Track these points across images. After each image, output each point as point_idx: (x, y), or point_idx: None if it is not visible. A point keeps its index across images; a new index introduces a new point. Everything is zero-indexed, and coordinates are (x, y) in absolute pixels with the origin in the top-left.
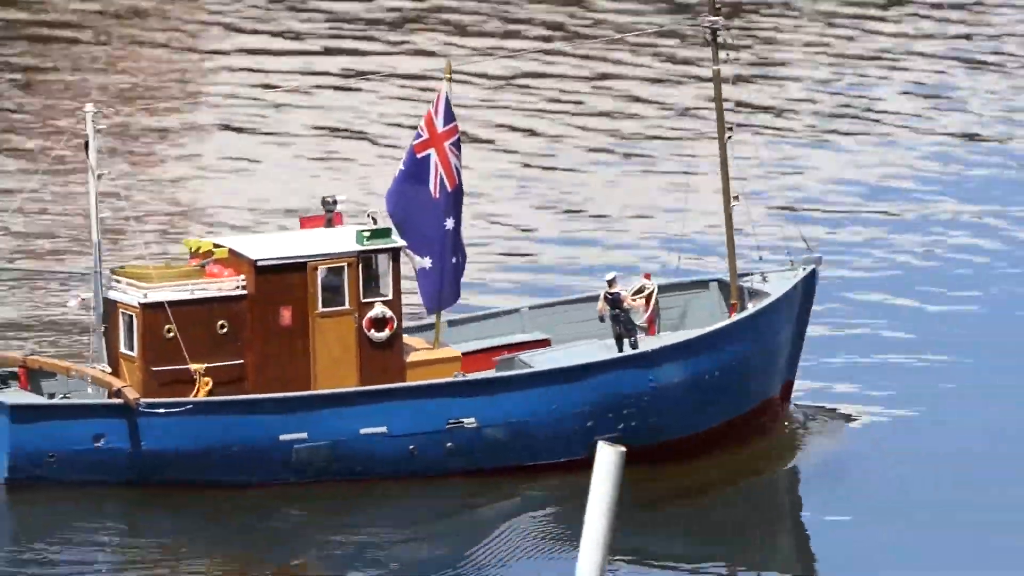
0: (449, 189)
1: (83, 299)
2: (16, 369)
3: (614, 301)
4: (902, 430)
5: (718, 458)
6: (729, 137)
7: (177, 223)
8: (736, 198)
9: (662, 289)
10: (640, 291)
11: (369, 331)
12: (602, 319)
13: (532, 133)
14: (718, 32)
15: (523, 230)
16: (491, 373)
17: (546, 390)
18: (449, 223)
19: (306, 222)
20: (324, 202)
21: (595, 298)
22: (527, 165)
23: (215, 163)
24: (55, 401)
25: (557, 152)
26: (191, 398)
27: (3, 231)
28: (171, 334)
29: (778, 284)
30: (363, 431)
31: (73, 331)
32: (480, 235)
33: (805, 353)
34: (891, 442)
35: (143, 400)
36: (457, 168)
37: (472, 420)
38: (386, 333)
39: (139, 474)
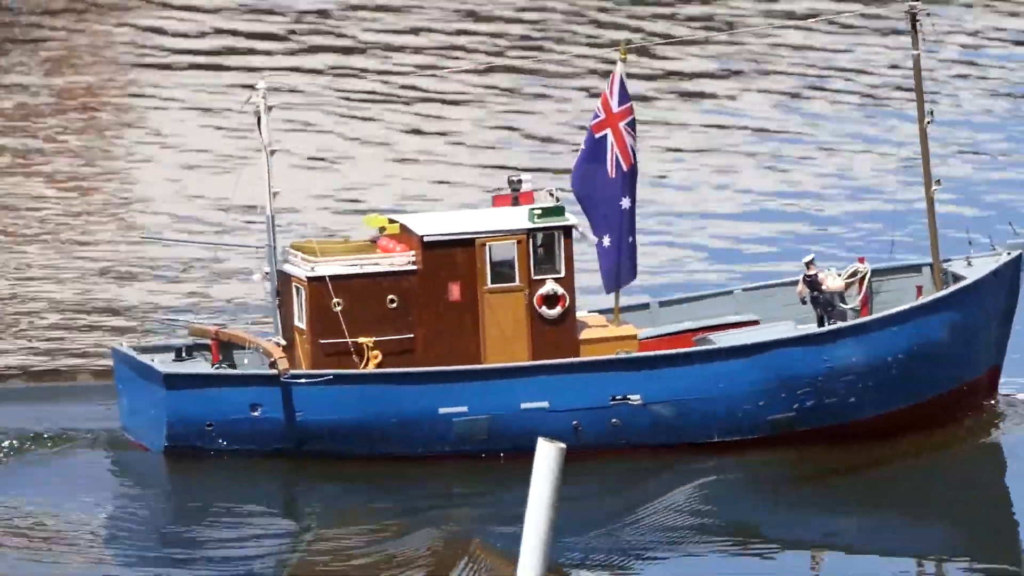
0: (625, 169)
1: (267, 273)
2: (209, 341)
3: (812, 283)
4: None
5: (899, 441)
6: (929, 122)
7: (358, 201)
8: (938, 183)
9: (876, 273)
10: (854, 274)
11: (540, 308)
12: (803, 301)
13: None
14: (917, 16)
15: (741, 213)
16: (659, 351)
17: (713, 367)
18: (625, 202)
19: (498, 200)
20: (510, 181)
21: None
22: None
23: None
24: (211, 371)
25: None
26: (335, 370)
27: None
28: (339, 307)
29: (981, 269)
30: (524, 406)
31: (265, 304)
32: (694, 220)
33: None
34: None
35: (289, 371)
36: (632, 148)
37: (637, 397)
38: (557, 310)
39: (294, 443)
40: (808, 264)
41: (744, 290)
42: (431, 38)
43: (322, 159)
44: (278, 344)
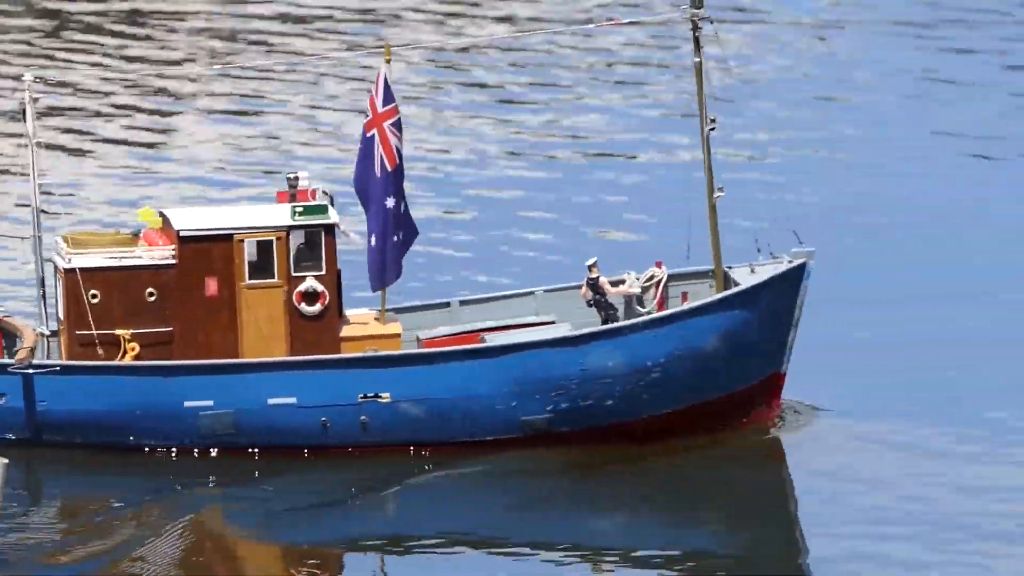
0: (389, 169)
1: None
2: None
3: (594, 286)
4: (893, 433)
5: (667, 443)
6: (712, 129)
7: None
8: (720, 190)
9: (673, 277)
10: (651, 278)
11: (300, 304)
12: (589, 304)
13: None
14: (699, 24)
15: (536, 215)
16: (409, 350)
17: (463, 367)
18: (390, 202)
19: (281, 197)
20: (287, 178)
21: (615, 283)
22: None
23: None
24: None
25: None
26: (61, 361)
27: None
28: (96, 299)
29: (759, 276)
30: (272, 401)
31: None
32: (493, 218)
33: (805, 349)
34: (879, 445)
35: (27, 361)
36: (397, 148)
37: (387, 395)
38: (317, 307)
39: (35, 433)
40: (591, 267)
41: (545, 291)
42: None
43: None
44: (41, 333)
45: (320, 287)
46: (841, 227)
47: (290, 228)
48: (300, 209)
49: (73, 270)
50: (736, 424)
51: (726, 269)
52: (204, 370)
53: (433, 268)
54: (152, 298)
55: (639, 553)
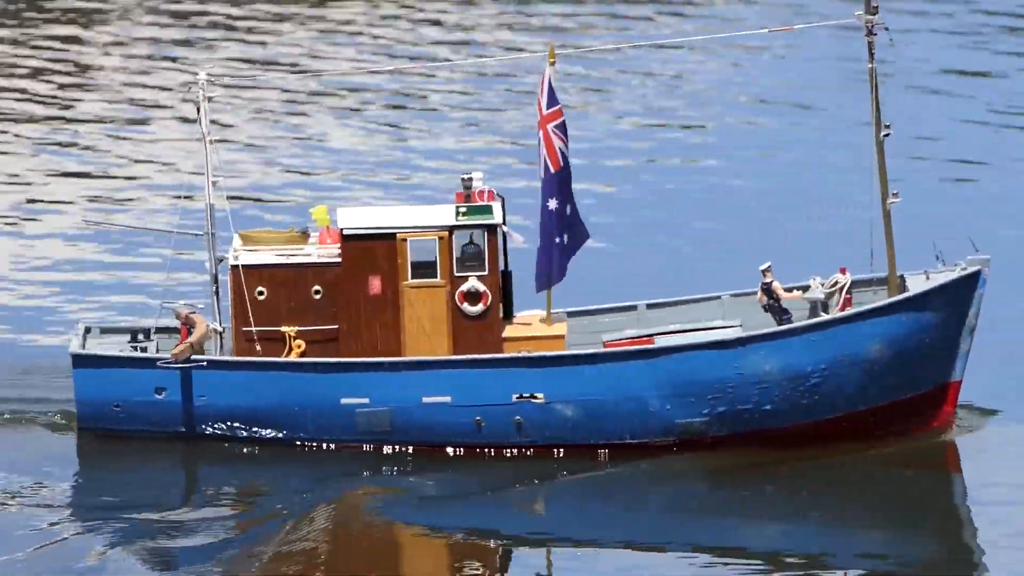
0: (552, 170)
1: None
2: (180, 324)
3: (767, 290)
4: None
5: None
6: (886, 135)
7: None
8: (895, 195)
9: (857, 283)
10: (835, 284)
11: (462, 304)
12: (765, 309)
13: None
14: (874, 28)
15: (716, 221)
16: (562, 352)
17: (616, 369)
18: (552, 203)
19: (460, 198)
20: (462, 180)
21: (796, 288)
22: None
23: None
24: (120, 353)
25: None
26: (214, 357)
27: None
28: (262, 296)
29: (931, 283)
30: (426, 400)
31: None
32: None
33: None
34: None
35: (183, 356)
36: (561, 151)
37: (541, 395)
38: (479, 307)
39: (194, 427)
40: (764, 271)
41: (732, 296)
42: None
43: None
44: (215, 330)
45: (482, 287)
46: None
47: (453, 228)
48: (464, 209)
49: (239, 267)
50: (907, 431)
51: (901, 276)
52: (359, 367)
53: (625, 270)
54: (318, 296)
55: (790, 559)
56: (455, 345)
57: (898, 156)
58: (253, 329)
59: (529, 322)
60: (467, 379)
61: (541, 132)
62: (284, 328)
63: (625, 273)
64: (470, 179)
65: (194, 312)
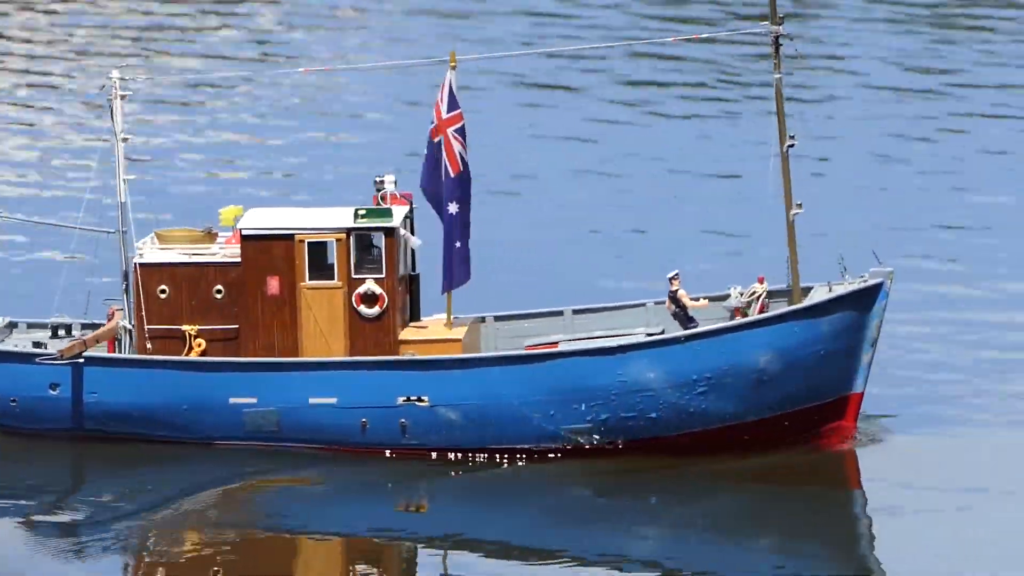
0: (452, 174)
1: None
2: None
3: (674, 299)
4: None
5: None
6: (791, 146)
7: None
8: (799, 206)
9: (773, 293)
10: (752, 293)
11: (359, 306)
12: (674, 316)
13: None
14: (780, 41)
15: (632, 229)
16: (448, 355)
17: (499, 373)
18: (452, 207)
19: (375, 200)
20: (375, 181)
21: (719, 298)
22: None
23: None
24: (15, 349)
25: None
26: (102, 354)
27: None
28: (164, 294)
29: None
30: (312, 400)
31: None
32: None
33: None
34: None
35: (71, 354)
36: (461, 155)
37: (425, 398)
38: (376, 310)
39: (86, 424)
40: (671, 279)
41: (656, 303)
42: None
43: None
44: (125, 327)
45: (379, 290)
46: (928, 244)
47: (350, 230)
48: (363, 212)
49: (142, 265)
50: (806, 442)
51: (808, 287)
52: (248, 367)
53: (560, 274)
54: (220, 295)
55: (669, 569)
56: (351, 347)
57: (807, 167)
58: (154, 327)
59: (426, 326)
60: (353, 380)
61: (442, 137)
62: (185, 327)
63: (556, 278)
64: (382, 182)
65: (120, 309)
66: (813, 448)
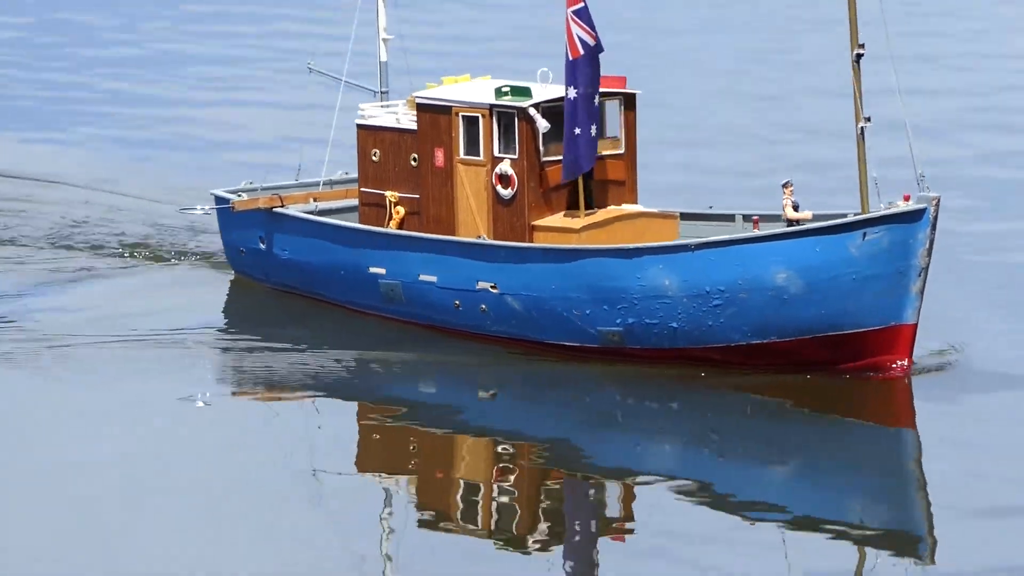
0: (571, 58)
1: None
2: None
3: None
4: None
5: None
6: (860, 56)
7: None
8: (868, 119)
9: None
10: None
11: (497, 186)
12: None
13: None
14: None
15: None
16: (508, 243)
17: (548, 268)
18: (571, 92)
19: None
20: None
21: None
22: None
23: None
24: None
25: None
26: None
27: None
28: (376, 158)
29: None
30: (421, 277)
31: None
32: None
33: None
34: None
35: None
36: (580, 38)
37: (494, 285)
38: (509, 191)
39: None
40: (783, 186)
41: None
42: None
43: None
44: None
45: (511, 171)
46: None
47: (492, 107)
48: (506, 90)
49: (359, 126)
50: (853, 371)
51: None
52: (379, 238)
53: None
54: (414, 164)
55: (677, 481)
56: (493, 227)
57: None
58: (365, 191)
59: (576, 215)
60: (449, 261)
61: (566, 20)
62: (387, 193)
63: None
64: None
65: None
66: (857, 376)
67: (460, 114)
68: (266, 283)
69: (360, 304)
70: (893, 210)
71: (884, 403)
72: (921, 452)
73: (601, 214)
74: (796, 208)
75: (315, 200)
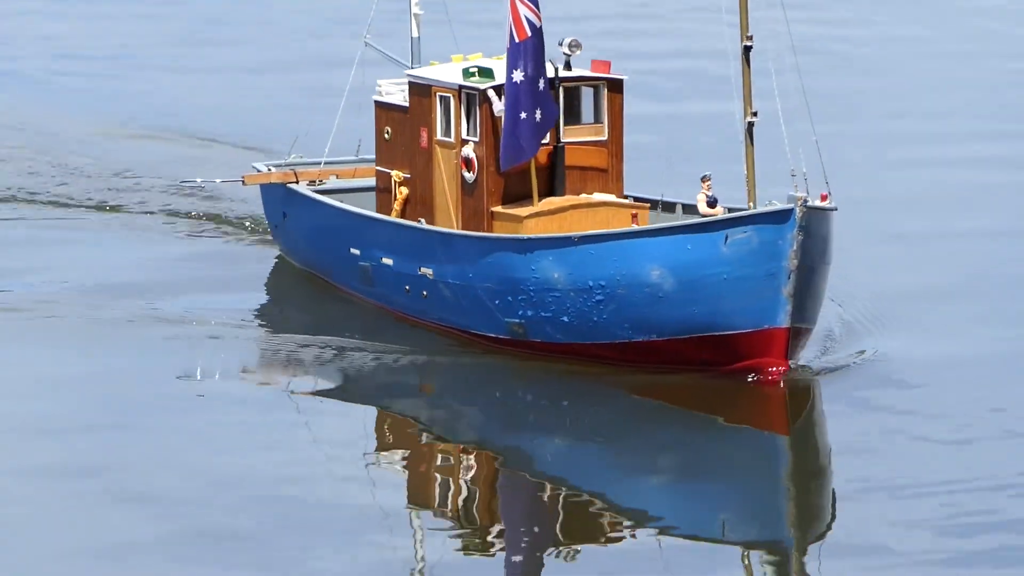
0: (516, 39)
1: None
2: None
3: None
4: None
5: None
6: (748, 48)
7: None
8: (755, 113)
9: None
10: None
11: (463, 170)
12: None
13: None
14: None
15: None
16: (441, 230)
17: (470, 256)
18: (516, 75)
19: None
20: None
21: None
22: None
23: None
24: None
25: None
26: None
27: None
28: (387, 136)
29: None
30: (384, 260)
31: None
32: None
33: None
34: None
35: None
36: (528, 19)
37: (430, 271)
38: (471, 175)
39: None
40: (702, 180)
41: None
42: None
43: None
44: None
45: (472, 155)
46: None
47: (460, 88)
48: (473, 70)
49: (376, 103)
50: (737, 375)
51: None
52: (355, 219)
53: None
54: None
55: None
56: (461, 211)
57: None
58: (379, 169)
59: (537, 203)
60: (399, 247)
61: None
62: (393, 172)
63: None
64: (573, 43)
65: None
66: (737, 379)
67: (438, 94)
68: (292, 260)
69: (350, 287)
70: (761, 210)
71: (758, 407)
72: (790, 457)
73: (556, 202)
74: (712, 204)
75: (337, 177)
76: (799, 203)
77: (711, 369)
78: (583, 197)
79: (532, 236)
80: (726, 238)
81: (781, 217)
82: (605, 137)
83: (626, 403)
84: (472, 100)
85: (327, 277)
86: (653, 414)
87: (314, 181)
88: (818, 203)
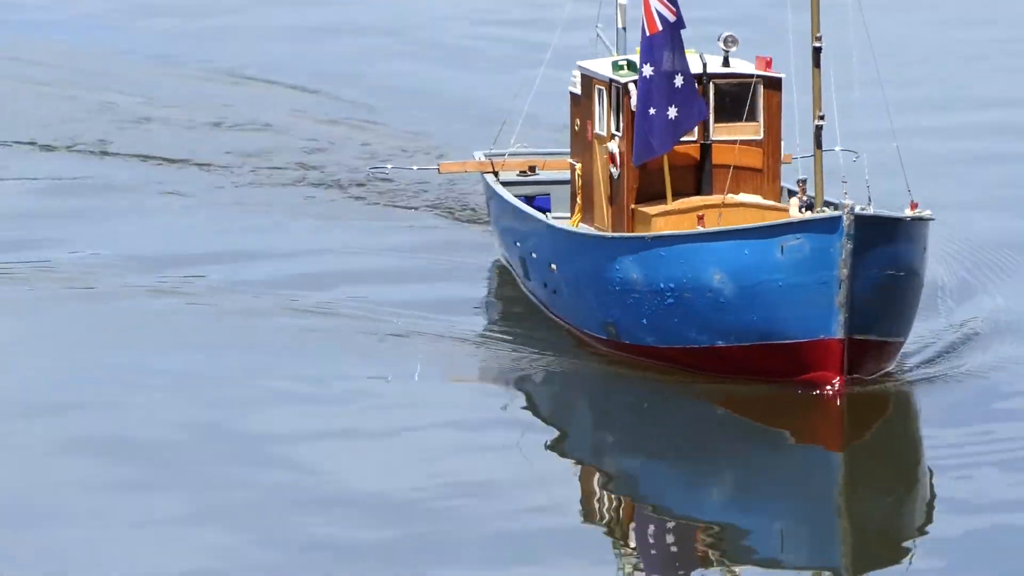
0: (648, 34)
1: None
2: None
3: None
4: None
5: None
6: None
7: None
8: (822, 117)
9: None
10: None
11: (609, 165)
12: None
13: None
14: None
15: None
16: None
17: (570, 255)
18: (647, 70)
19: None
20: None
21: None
22: None
23: None
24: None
25: None
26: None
27: None
28: (578, 127)
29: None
30: (532, 254)
31: None
32: None
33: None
34: None
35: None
36: (660, 13)
37: (554, 266)
38: (616, 171)
39: None
40: (799, 183)
41: None
42: None
43: None
44: None
45: (616, 149)
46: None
47: (610, 82)
48: (622, 63)
49: (571, 94)
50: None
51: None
52: (512, 210)
53: None
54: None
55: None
56: (609, 206)
57: None
58: (571, 162)
59: (672, 203)
60: (539, 238)
61: None
62: (577, 164)
63: None
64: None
65: None
66: (795, 390)
67: (597, 87)
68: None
69: (522, 276)
70: (812, 217)
71: (816, 421)
72: (844, 476)
73: (691, 202)
74: (810, 209)
75: (538, 169)
76: (846, 211)
77: (776, 380)
78: (717, 197)
79: (615, 235)
80: (782, 247)
81: (830, 225)
82: (760, 136)
83: (703, 412)
84: (617, 93)
85: (508, 265)
86: (727, 427)
87: (525, 171)
88: (880, 212)
